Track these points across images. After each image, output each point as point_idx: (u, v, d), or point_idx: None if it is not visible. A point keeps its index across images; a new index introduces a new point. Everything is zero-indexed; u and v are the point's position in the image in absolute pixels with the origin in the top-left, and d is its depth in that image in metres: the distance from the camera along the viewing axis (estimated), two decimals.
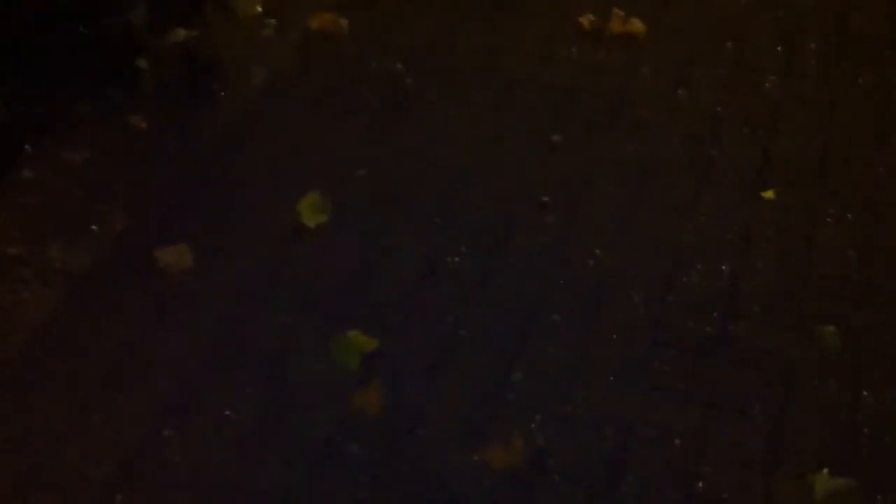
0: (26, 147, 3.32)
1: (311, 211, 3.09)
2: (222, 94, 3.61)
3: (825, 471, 2.28)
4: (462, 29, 3.86)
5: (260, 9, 3.93)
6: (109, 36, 3.72)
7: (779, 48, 3.70)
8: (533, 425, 2.46)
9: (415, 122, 3.47)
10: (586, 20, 3.79)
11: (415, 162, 3.33)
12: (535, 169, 3.29)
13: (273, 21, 3.89)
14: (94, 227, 3.05)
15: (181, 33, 3.82)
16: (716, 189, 3.17)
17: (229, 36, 3.84)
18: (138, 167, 3.29)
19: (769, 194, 3.12)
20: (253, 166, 3.31)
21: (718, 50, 3.73)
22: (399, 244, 3.04)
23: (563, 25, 3.83)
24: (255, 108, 3.55)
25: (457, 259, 2.95)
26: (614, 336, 2.71)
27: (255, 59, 3.74)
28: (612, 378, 2.59)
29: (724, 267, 2.90)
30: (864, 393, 2.52)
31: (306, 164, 3.30)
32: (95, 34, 3.68)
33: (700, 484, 2.31)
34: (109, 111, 3.50)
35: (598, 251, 2.97)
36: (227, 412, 2.50)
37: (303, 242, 3.05)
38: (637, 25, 3.76)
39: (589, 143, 3.34)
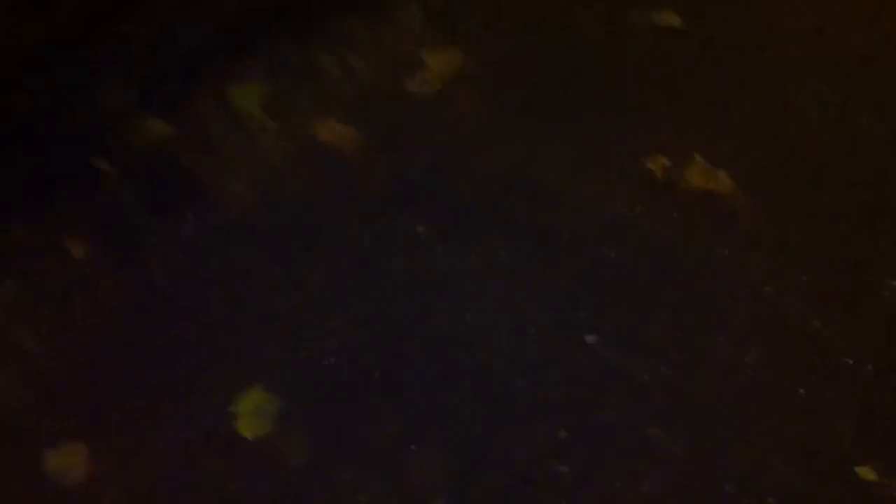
0: None
1: (250, 415, 2.36)
2: (189, 216, 2.89)
3: None
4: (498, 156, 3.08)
5: (261, 108, 3.21)
6: (69, 123, 3.05)
7: None
8: None
9: (420, 286, 2.71)
10: (657, 165, 2.96)
11: (413, 347, 2.57)
12: (557, 370, 2.50)
13: (274, 125, 3.17)
14: None
15: (160, 128, 3.13)
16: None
17: (217, 138, 3.13)
18: (51, 318, 2.60)
19: (866, 472, 2.27)
20: (191, 335, 2.59)
21: (829, 238, 2.83)
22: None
23: (624, 165, 3.00)
24: (220, 243, 2.83)
25: None
26: None
27: (240, 172, 3.03)
28: None
29: None
30: None
31: (260, 339, 2.57)
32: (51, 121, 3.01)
33: None
34: (47, 229, 2.83)
35: None
36: None
37: (235, 457, 2.32)
38: (724, 183, 2.92)
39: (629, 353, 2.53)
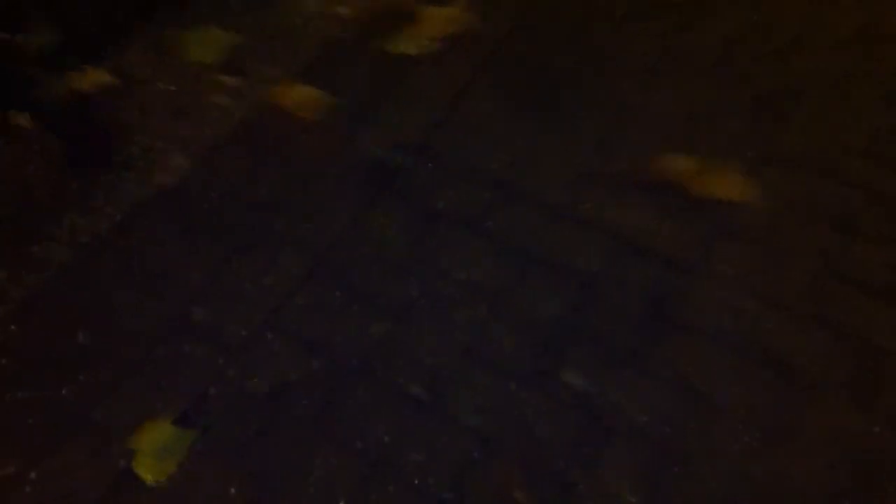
0: None
1: (152, 455, 1.89)
2: (106, 187, 2.40)
3: None
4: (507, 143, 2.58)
5: (217, 60, 2.69)
6: None
7: None
8: None
9: (383, 298, 2.23)
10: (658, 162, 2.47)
11: (361, 376, 2.09)
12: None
13: (229, 80, 2.66)
14: None
15: (95, 77, 2.62)
16: None
17: (161, 94, 2.62)
18: None
19: None
20: (85, 348, 2.11)
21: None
22: None
23: (635, 163, 2.51)
24: (138, 225, 2.34)
25: None
26: None
27: (180, 137, 2.52)
28: None
29: None
30: None
31: (169, 361, 2.09)
32: None
33: None
34: None
35: None
36: None
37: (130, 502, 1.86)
38: (736, 189, 2.42)
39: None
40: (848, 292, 2.22)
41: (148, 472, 1.84)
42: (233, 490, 1.87)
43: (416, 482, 1.91)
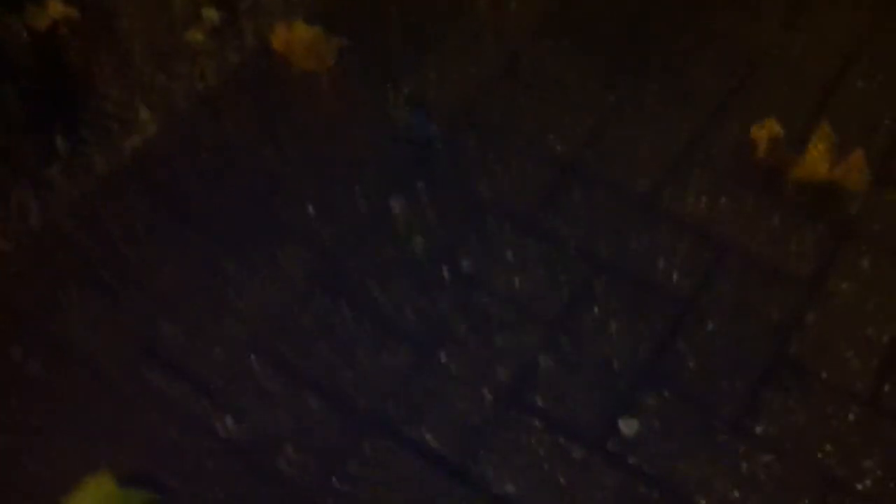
0: None
1: None
2: (61, 150, 1.89)
3: None
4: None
5: None
6: None
7: None
8: None
9: (405, 317, 1.72)
10: (762, 137, 1.90)
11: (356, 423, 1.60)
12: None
13: (215, 15, 2.11)
14: None
15: (56, 11, 2.09)
16: None
17: (133, 32, 2.08)
18: None
19: None
20: (30, 373, 1.63)
21: None
22: None
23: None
24: (94, 200, 1.83)
25: None
26: None
27: (151, 88, 1.99)
28: None
29: None
30: None
31: (125, 403, 1.60)
32: None
33: None
34: None
35: None
36: None
37: None
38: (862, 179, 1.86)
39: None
40: None
41: None
42: None
43: None
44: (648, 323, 1.71)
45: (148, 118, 1.94)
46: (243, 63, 2.04)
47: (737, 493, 1.52)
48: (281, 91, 2.00)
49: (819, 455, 1.56)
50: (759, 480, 1.54)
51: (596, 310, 1.73)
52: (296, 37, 2.06)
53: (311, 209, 1.84)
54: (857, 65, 2.08)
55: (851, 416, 1.60)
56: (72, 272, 1.75)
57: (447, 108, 1.98)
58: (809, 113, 1.98)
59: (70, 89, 1.98)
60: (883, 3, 2.20)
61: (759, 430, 1.58)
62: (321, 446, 1.56)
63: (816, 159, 1.87)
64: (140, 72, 2.00)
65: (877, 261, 1.79)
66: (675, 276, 1.77)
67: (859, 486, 1.52)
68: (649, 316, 1.72)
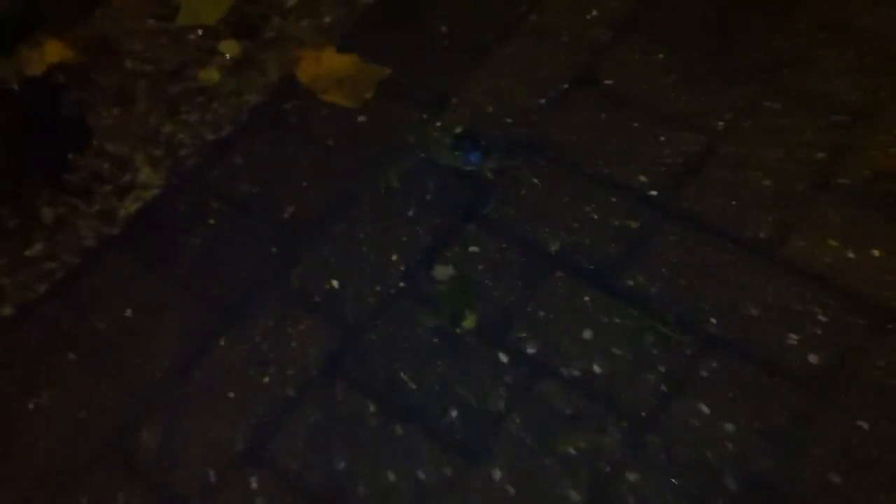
0: None
1: None
2: (62, 227, 1.60)
3: None
4: None
5: (219, 16, 1.83)
6: None
7: None
8: None
9: (448, 418, 1.34)
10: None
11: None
12: None
13: (236, 48, 1.78)
14: None
15: (54, 53, 1.82)
16: None
17: (143, 75, 1.78)
18: None
19: None
20: None
21: None
22: None
23: None
24: (80, 273, 1.51)
25: None
26: None
27: (168, 141, 1.67)
28: None
29: None
30: None
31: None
32: None
33: None
34: None
35: None
36: None
37: None
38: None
39: None
40: None
41: None
42: None
43: None
44: (771, 420, 1.26)
45: (149, 177, 1.63)
46: (265, 104, 1.70)
47: None
48: (308, 134, 1.66)
49: None
50: None
51: (703, 405, 1.29)
52: (327, 68, 1.72)
53: (335, 281, 1.48)
54: None
55: None
56: (43, 360, 1.44)
57: (505, 134, 1.59)
58: None
59: (63, 145, 1.69)
60: None
61: None
62: None
63: None
64: (143, 122, 1.69)
65: None
66: (807, 353, 1.32)
67: None
68: (773, 409, 1.27)
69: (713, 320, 1.37)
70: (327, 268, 1.50)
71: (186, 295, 1.49)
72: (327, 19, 1.82)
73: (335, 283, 1.48)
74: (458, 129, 1.61)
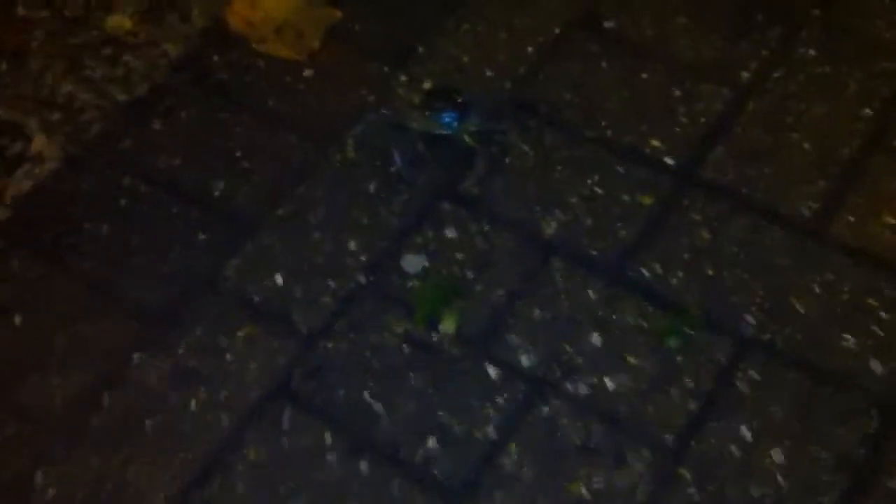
0: None
1: None
2: None
3: None
4: None
5: None
6: None
7: None
8: None
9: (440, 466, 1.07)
10: None
11: None
12: None
13: None
14: None
15: None
16: None
17: (25, 19, 1.46)
18: None
19: None
20: None
21: None
22: None
23: None
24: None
25: None
26: None
27: (56, 106, 1.36)
28: None
29: None
30: None
31: None
32: None
33: None
34: None
35: None
36: None
37: None
38: None
39: None
40: None
41: None
42: None
43: None
44: (832, 445, 1.01)
45: (44, 148, 1.31)
46: (188, 56, 1.39)
47: None
48: (243, 93, 1.35)
49: None
50: None
51: (745, 428, 1.03)
52: (264, 11, 1.41)
53: (279, 277, 1.19)
54: None
55: None
56: None
57: (486, 91, 1.30)
58: None
59: None
60: None
61: None
62: None
63: None
64: (37, 81, 1.37)
65: None
66: (868, 358, 1.07)
67: None
68: (833, 431, 1.02)
69: (749, 318, 1.10)
70: (270, 260, 1.20)
71: (92, 297, 1.19)
72: None
73: (280, 280, 1.19)
74: (429, 85, 1.31)
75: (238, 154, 1.29)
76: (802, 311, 1.10)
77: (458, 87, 1.29)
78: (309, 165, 1.28)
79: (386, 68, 1.36)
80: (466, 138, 1.25)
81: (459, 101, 1.26)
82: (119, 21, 1.43)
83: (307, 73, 1.37)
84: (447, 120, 1.25)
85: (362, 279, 1.18)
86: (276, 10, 1.41)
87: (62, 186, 1.30)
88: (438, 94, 1.28)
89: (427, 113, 1.26)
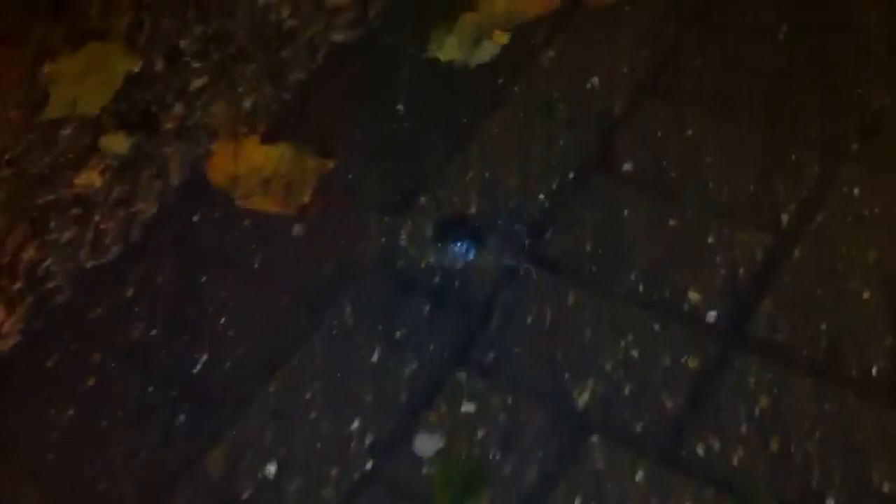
0: None
1: None
2: None
3: None
4: None
5: (106, 99, 1.40)
6: None
7: None
8: None
9: None
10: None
11: None
12: None
13: (123, 144, 1.34)
14: None
15: None
16: None
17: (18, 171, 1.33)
18: None
19: None
20: None
21: None
22: None
23: None
24: None
25: None
26: None
27: (17, 275, 1.21)
28: None
29: None
30: None
31: None
32: None
33: None
34: None
35: None
36: None
37: None
38: None
39: None
40: None
41: None
42: None
43: None
44: None
45: (4, 322, 1.16)
46: (165, 215, 1.26)
47: None
48: (226, 255, 1.21)
49: None
50: None
51: None
52: (249, 164, 1.29)
53: (271, 467, 1.02)
54: None
55: None
56: None
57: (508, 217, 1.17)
58: None
59: None
60: None
61: None
62: None
63: None
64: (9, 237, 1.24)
65: None
66: None
67: None
68: None
69: (831, 503, 0.94)
70: (260, 447, 1.04)
71: (54, 499, 1.02)
72: (247, 103, 1.39)
73: (272, 470, 1.02)
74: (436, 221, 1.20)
75: (221, 322, 1.14)
76: (888, 491, 0.94)
77: (471, 215, 1.19)
78: (302, 333, 1.12)
79: (386, 219, 1.23)
80: (487, 267, 1.13)
81: (474, 226, 1.17)
82: (89, 178, 1.30)
83: (297, 229, 1.23)
84: (462, 249, 1.15)
85: (368, 466, 1.01)
86: (261, 161, 1.28)
87: (22, 365, 1.14)
88: (449, 223, 1.18)
89: (440, 244, 1.16)
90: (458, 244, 1.17)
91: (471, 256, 1.16)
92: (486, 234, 1.17)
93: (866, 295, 1.08)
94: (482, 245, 1.17)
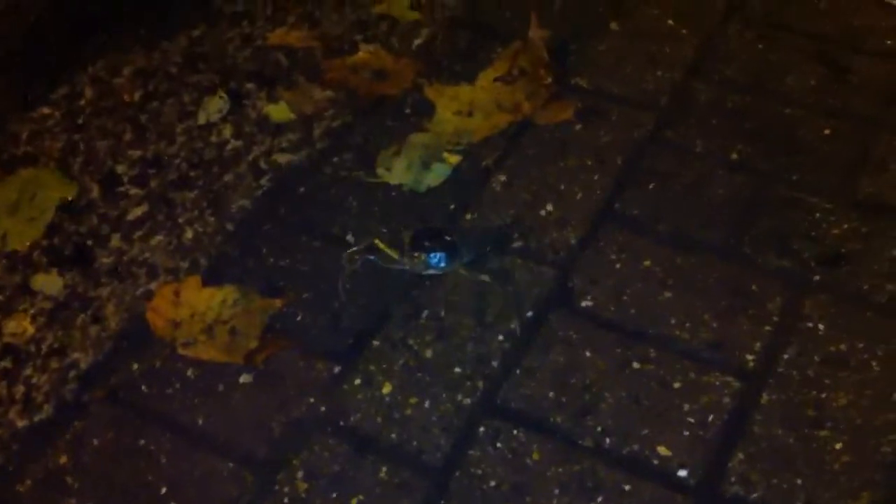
0: None
1: None
2: None
3: None
4: None
5: (37, 234, 1.33)
6: None
7: None
8: None
9: None
10: None
11: None
12: None
13: (56, 285, 1.27)
14: None
15: None
16: None
17: None
18: None
19: None
20: None
21: None
22: None
23: None
24: None
25: None
26: None
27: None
28: None
29: None
30: None
31: None
32: None
33: None
34: None
35: None
36: None
37: None
38: None
39: None
40: None
41: None
42: None
43: None
44: None
45: None
46: (100, 366, 1.18)
47: None
48: (167, 411, 1.14)
49: None
50: None
51: None
52: (191, 308, 1.22)
53: None
54: None
55: None
56: None
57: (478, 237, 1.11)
58: None
59: None
60: None
61: None
62: None
63: None
64: None
65: None
66: None
67: None
68: None
69: None
70: None
71: None
72: (188, 234, 1.33)
73: None
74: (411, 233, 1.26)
75: (162, 491, 1.06)
76: None
77: (445, 227, 1.28)
78: (249, 501, 1.06)
79: (337, 368, 1.17)
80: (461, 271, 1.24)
81: (448, 240, 1.24)
82: (20, 325, 1.22)
83: (244, 378, 1.16)
84: (435, 260, 1.22)
85: None
86: (204, 305, 1.21)
87: None
88: (426, 235, 1.25)
89: (415, 254, 1.22)
90: (434, 255, 1.22)
91: (445, 265, 1.21)
92: (461, 246, 1.23)
93: (838, 446, 1.05)
94: (456, 256, 1.22)
